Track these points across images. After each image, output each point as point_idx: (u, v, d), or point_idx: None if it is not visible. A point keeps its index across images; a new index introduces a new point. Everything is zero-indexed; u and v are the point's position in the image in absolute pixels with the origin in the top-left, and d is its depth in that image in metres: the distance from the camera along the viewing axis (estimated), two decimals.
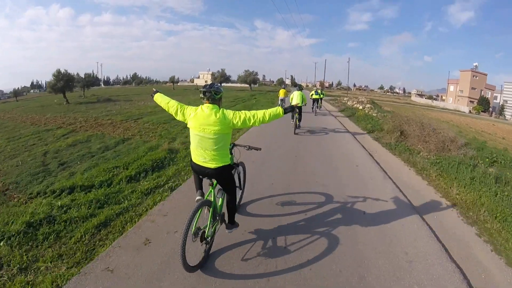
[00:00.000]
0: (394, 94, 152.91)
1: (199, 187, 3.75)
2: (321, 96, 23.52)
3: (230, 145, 3.84)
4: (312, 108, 21.09)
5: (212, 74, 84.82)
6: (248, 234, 4.25)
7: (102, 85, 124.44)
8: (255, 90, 74.60)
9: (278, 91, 21.48)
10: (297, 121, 12.99)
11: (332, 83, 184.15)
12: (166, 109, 3.76)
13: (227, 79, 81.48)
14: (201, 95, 3.43)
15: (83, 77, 53.62)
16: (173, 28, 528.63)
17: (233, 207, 3.90)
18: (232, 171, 3.98)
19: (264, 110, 3.51)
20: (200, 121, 3.37)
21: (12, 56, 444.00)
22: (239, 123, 3.40)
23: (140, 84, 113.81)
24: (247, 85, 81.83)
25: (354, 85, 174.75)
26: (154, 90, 4.08)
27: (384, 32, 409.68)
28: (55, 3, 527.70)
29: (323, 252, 3.85)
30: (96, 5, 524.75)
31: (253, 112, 3.47)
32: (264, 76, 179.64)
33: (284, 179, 6.70)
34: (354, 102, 30.93)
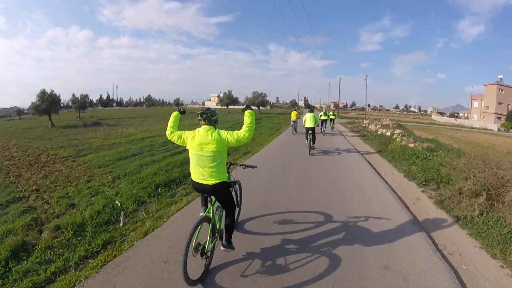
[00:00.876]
0: (411, 113, 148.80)
1: (204, 204, 3.99)
2: (333, 117, 25.35)
3: (227, 164, 4.34)
4: (321, 128, 20.77)
5: (218, 97, 79.82)
6: (249, 251, 4.35)
7: (115, 106, 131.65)
8: (264, 112, 72.11)
9: (290, 113, 24.38)
10: (311, 142, 12.97)
11: (347, 103, 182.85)
12: (168, 131, 4.06)
13: (234, 101, 77.16)
14: (199, 118, 3.83)
15: (79, 98, 52.93)
16: (189, 52, 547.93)
17: (231, 225, 4.01)
18: (230, 189, 4.21)
19: (245, 123, 3.76)
20: (197, 141, 3.68)
21: (31, 75, 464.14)
22: (233, 141, 3.68)
23: (151, 106, 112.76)
24: (256, 108, 76.89)
25: (369, 105, 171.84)
26: (181, 109, 4.41)
27: (396, 51, 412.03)
28: (74, 25, 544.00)
29: (322, 272, 3.84)
30: (114, 28, 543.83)
31: (243, 129, 3.72)
32: (277, 98, 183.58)
33: (298, 195, 7.04)
34: (377, 126, 25.13)
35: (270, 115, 57.29)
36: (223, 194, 3.89)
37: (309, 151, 12.78)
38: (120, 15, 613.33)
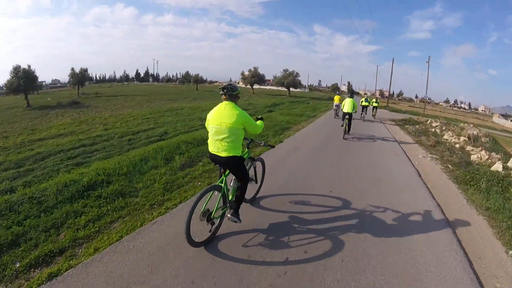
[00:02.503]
0: (461, 109, 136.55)
1: (220, 175, 4.18)
2: (375, 104, 24.62)
3: (247, 140, 4.67)
4: (361, 114, 21.32)
5: (242, 74, 68.85)
6: (257, 224, 4.53)
7: (151, 81, 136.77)
8: (294, 95, 62.47)
9: (327, 98, 33.57)
10: (346, 127, 13.22)
11: (393, 92, 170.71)
12: None
13: (260, 79, 67.51)
14: (220, 92, 3.97)
15: (77, 72, 51.56)
16: (233, 30, 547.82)
17: (240, 197, 4.19)
18: (245, 163, 4.43)
19: (259, 123, 4.32)
20: (217, 115, 3.90)
21: (77, 50, 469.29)
22: (247, 125, 3.96)
23: (185, 83, 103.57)
24: (284, 89, 68.13)
25: (416, 97, 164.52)
26: None
27: (446, 41, 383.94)
28: (119, 2, 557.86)
29: (323, 253, 3.89)
30: (158, 5, 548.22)
31: (256, 122, 4.18)
32: (319, 81, 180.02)
33: (320, 177, 7.16)
34: (461, 139, 14.87)
35: (303, 100, 47.64)
36: (235, 167, 4.05)
37: (343, 135, 13.02)
38: None
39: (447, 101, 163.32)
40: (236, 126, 3.81)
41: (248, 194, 4.73)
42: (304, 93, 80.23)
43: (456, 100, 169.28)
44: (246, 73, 67.05)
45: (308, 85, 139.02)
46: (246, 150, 4.58)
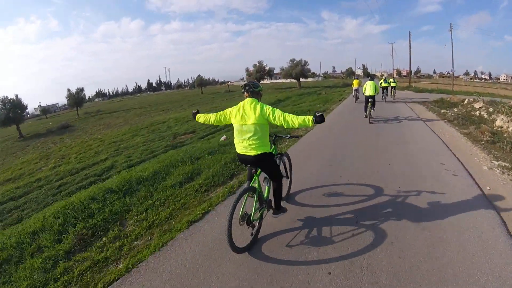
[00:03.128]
0: (483, 80, 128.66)
1: (249, 178, 4.05)
2: (394, 84, 24.32)
3: (272, 136, 4.42)
4: (382, 96, 21.12)
5: (247, 71, 64.34)
6: (297, 222, 4.43)
7: (164, 89, 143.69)
8: (305, 86, 59.47)
9: (351, 82, 25.88)
10: (370, 111, 13.06)
11: (411, 70, 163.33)
12: (212, 124, 4.31)
13: (268, 73, 64.34)
14: (242, 90, 3.89)
15: (73, 93, 52.30)
16: (240, 28, 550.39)
17: (279, 194, 4.15)
18: (276, 159, 4.37)
19: (295, 116, 3.61)
20: (241, 114, 3.77)
21: (90, 68, 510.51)
22: (272, 119, 3.67)
23: (198, 87, 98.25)
24: (294, 80, 63.28)
25: (434, 72, 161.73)
26: (194, 111, 4.54)
27: (458, 12, 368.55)
28: (125, 17, 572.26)
29: (366, 247, 3.75)
30: (164, 14, 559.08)
31: (286, 114, 3.63)
32: (334, 68, 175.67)
33: (350, 165, 7.05)
34: None
35: (315, 90, 44.58)
36: (266, 164, 3.94)
37: (369, 120, 12.88)
38: (167, 1, 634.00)
39: (467, 74, 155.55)
40: (261, 122, 3.69)
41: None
42: (317, 82, 77.60)
43: (476, 71, 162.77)
44: (251, 69, 63.00)
45: (321, 74, 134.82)
46: (273, 146, 4.38)
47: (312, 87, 52.70)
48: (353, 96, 22.64)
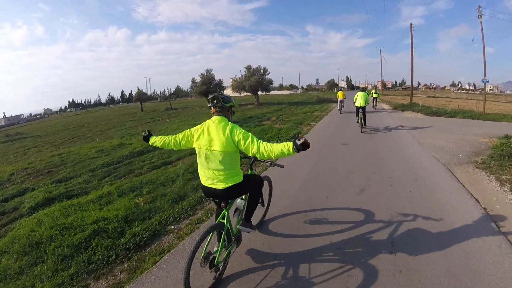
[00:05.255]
0: (464, 91, 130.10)
1: (217, 212, 3.47)
2: (375, 95, 25.99)
3: (249, 159, 4.00)
4: (373, 105, 24.79)
5: (193, 81, 45.90)
6: (268, 257, 3.77)
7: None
8: (267, 102, 46.85)
9: (322, 99, 34.46)
10: (362, 121, 13.32)
11: (396, 82, 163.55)
12: (168, 148, 3.59)
13: (216, 86, 44.79)
14: (209, 104, 3.25)
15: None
16: (227, 40, 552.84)
17: (255, 204, 3.69)
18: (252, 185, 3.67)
19: (273, 145, 2.91)
20: (206, 137, 3.12)
21: (74, 77, 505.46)
22: (243, 147, 2.98)
23: (173, 99, 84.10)
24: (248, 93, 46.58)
25: (419, 84, 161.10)
26: (144, 134, 3.83)
27: (439, 25, 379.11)
28: (112, 25, 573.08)
29: None
30: (150, 24, 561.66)
31: (261, 143, 2.94)
32: (317, 80, 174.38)
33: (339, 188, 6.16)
34: None
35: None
36: (240, 192, 3.40)
37: (361, 129, 13.18)
38: (154, 12, 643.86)
39: (453, 85, 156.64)
40: (230, 148, 3.03)
41: (254, 219, 3.93)
42: (290, 96, 70.32)
43: (460, 82, 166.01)
44: (197, 79, 45.05)
45: (299, 86, 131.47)
46: (250, 171, 3.97)
47: (276, 104, 42.43)
48: (338, 109, 24.00)
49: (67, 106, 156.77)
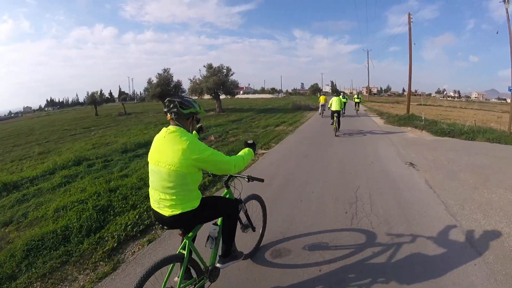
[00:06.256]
0: (450, 98, 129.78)
1: (182, 239, 2.73)
2: (357, 100, 28.44)
3: (225, 176, 3.32)
4: (355, 109, 27.68)
5: (149, 82, 37.28)
6: None
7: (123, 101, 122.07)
8: (234, 108, 38.82)
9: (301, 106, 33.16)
10: (336, 125, 13.44)
11: (381, 88, 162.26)
12: None
13: (176, 87, 37.07)
14: (164, 109, 2.54)
15: None
16: (213, 42, 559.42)
17: (230, 235, 2.97)
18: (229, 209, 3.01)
19: (240, 154, 2.79)
20: (154, 149, 2.50)
21: (60, 74, 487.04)
22: (203, 164, 2.42)
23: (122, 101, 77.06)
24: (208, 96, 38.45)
25: (404, 90, 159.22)
26: None
27: (424, 33, 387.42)
28: (98, 23, 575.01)
29: None
30: (137, 23, 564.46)
31: (234, 157, 2.68)
32: (302, 84, 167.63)
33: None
34: None
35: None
36: (194, 222, 2.67)
37: (335, 133, 13.32)
38: (142, 11, 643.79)
39: (439, 92, 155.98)
40: (183, 168, 2.33)
41: (246, 247, 3.60)
42: (271, 100, 66.73)
43: (445, 89, 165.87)
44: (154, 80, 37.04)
45: (284, 90, 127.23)
46: (226, 190, 3.23)
47: (243, 110, 35.37)
48: (319, 113, 24.74)
49: (46, 105, 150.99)
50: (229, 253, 2.92)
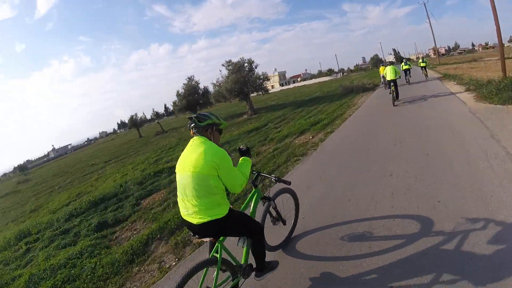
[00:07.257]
0: None
1: (212, 244, 2.92)
2: (423, 64, 25.45)
3: (254, 172, 3.40)
4: (405, 78, 21.85)
5: (178, 94, 33.98)
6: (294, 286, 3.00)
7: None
8: (268, 107, 32.17)
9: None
10: (394, 94, 13.30)
11: (449, 47, 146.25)
12: None
13: (204, 94, 33.96)
14: (188, 125, 2.75)
15: None
16: (265, 35, 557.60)
17: (260, 252, 2.97)
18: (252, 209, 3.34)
19: (239, 166, 2.85)
20: (181, 159, 2.66)
21: (128, 97, 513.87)
22: (223, 175, 2.51)
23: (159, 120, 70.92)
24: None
25: (473, 45, 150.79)
26: None
27: None
28: (153, 43, 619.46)
29: None
30: (189, 35, 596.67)
31: (240, 172, 2.72)
32: (363, 58, 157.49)
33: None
34: None
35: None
36: (225, 230, 2.69)
37: (393, 103, 13.10)
38: (190, 22, 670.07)
39: (511, 40, 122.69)
40: (205, 170, 2.43)
41: (275, 240, 3.63)
42: (326, 83, 58.48)
43: None
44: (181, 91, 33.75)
45: (340, 69, 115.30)
46: (254, 189, 3.37)
47: (282, 108, 27.31)
48: (383, 83, 23.16)
49: (118, 127, 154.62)
50: (264, 267, 2.93)
